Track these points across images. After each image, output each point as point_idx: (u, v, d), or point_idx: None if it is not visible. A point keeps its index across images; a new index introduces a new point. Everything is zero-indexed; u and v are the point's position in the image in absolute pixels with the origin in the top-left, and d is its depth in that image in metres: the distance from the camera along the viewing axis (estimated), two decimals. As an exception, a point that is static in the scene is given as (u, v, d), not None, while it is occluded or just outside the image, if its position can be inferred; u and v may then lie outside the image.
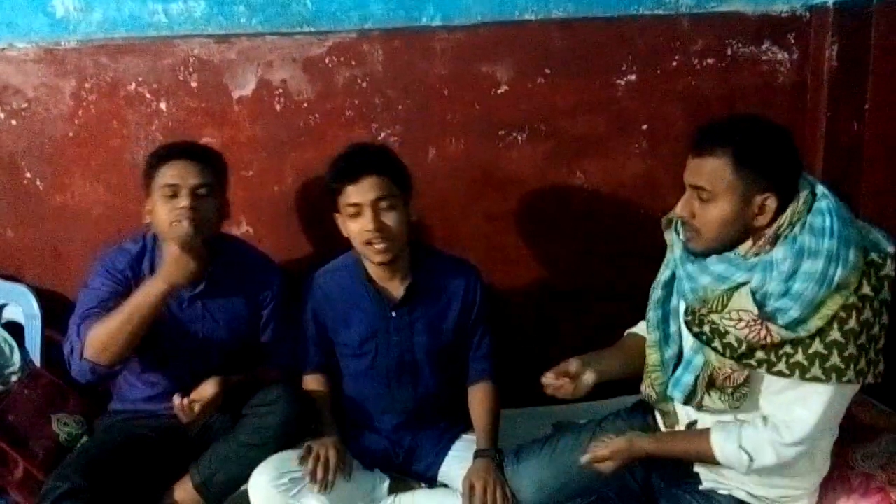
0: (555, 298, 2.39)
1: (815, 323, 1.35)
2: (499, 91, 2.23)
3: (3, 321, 2.23)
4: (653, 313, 1.63)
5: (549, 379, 1.64)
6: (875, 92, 2.25)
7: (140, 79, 2.15)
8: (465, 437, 1.95)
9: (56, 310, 2.20)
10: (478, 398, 1.93)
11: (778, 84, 2.30)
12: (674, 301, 1.60)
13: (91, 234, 2.19)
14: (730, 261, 1.45)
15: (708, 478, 1.63)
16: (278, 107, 2.20)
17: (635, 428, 1.70)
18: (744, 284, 1.41)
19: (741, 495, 1.58)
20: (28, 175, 2.19)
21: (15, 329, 2.19)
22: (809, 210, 1.39)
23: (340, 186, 1.77)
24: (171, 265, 1.72)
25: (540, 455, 1.76)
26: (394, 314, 1.89)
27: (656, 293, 1.63)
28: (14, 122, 2.16)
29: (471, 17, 2.17)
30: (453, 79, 2.21)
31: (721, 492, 1.60)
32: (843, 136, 2.28)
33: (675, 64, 2.26)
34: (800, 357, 1.37)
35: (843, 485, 1.69)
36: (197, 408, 1.77)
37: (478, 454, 1.82)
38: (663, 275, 1.63)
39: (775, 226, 1.41)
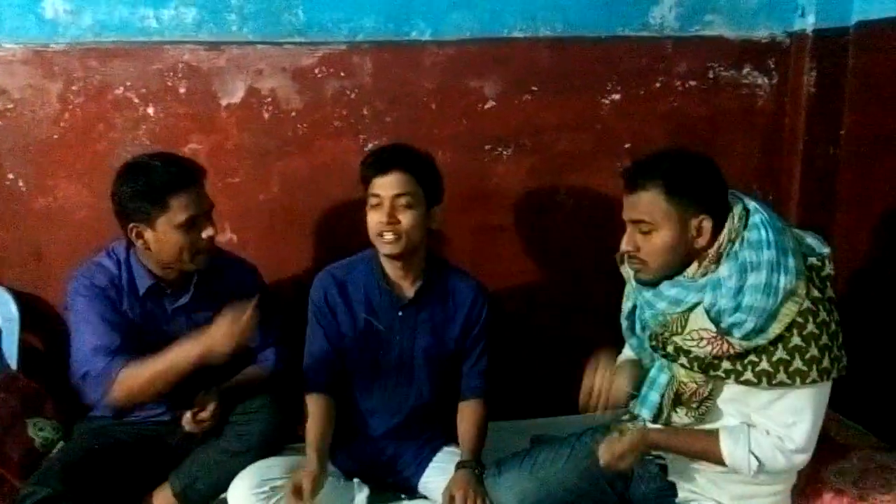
0: (539, 312, 2.41)
1: (774, 330, 1.42)
2: (486, 106, 2.26)
3: (-21, 324, 2.20)
4: (631, 340, 1.70)
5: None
6: (850, 117, 2.31)
7: (128, 83, 2.14)
8: (446, 449, 1.96)
9: (35, 313, 2.19)
10: (467, 414, 1.94)
11: (757, 107, 2.36)
12: (637, 328, 1.66)
13: (74, 238, 2.17)
14: (681, 284, 1.51)
15: (684, 489, 1.66)
16: (266, 115, 2.21)
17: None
18: (697, 305, 1.48)
19: (713, 504, 1.62)
20: (10, 176, 2.17)
21: (-8, 332, 2.17)
22: (746, 226, 1.47)
23: (370, 176, 1.81)
24: (218, 332, 1.68)
25: (521, 468, 1.77)
26: (401, 313, 1.90)
27: (624, 324, 1.70)
28: (-1, 122, 2.14)
29: (460, 32, 2.20)
30: (441, 93, 2.24)
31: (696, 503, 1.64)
32: (820, 160, 2.34)
33: (658, 85, 2.31)
34: (765, 365, 1.44)
35: (816, 500, 1.73)
36: (208, 420, 1.78)
37: (459, 465, 1.83)
38: (626, 306, 1.70)
39: (716, 245, 1.48)
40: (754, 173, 2.38)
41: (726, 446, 1.52)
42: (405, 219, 1.79)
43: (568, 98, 2.28)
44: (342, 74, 2.20)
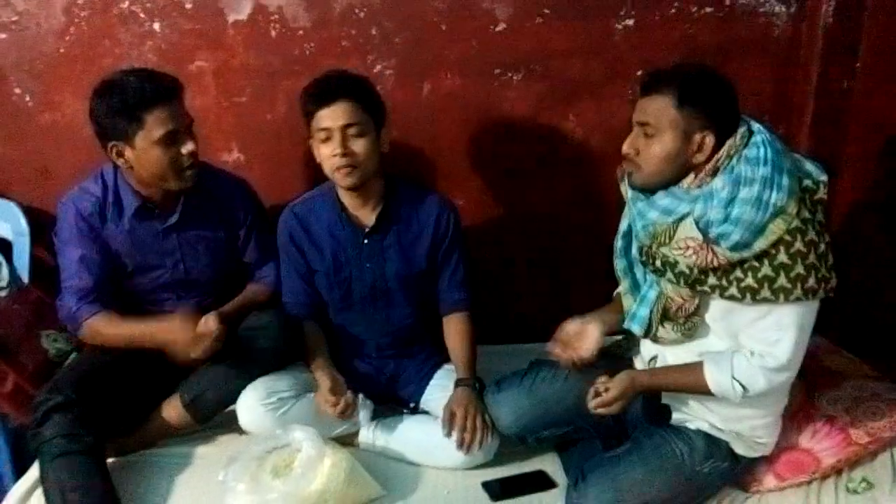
0: (543, 239, 2.42)
1: (759, 245, 1.44)
2: (496, 29, 2.21)
3: (-10, 237, 2.23)
4: (619, 262, 1.72)
5: (555, 350, 1.72)
6: (867, 50, 2.26)
7: (134, -4, 2.11)
8: (446, 366, 2.01)
9: (44, 227, 2.20)
10: (453, 328, 1.98)
11: (773, 37, 2.30)
12: (633, 250, 1.68)
13: (80, 153, 2.16)
14: (674, 194, 1.54)
15: (678, 411, 1.70)
16: (273, 33, 2.17)
17: (608, 364, 1.75)
18: (687, 216, 1.51)
19: (705, 427, 1.67)
20: (17, 91, 2.16)
21: (3, 246, 2.19)
22: (746, 145, 1.48)
23: (313, 110, 1.78)
24: (182, 335, 1.74)
25: (520, 386, 1.82)
26: (366, 241, 1.92)
27: (618, 243, 1.72)
28: (3, 35, 2.11)
29: (473, -49, 2.14)
30: (452, 14, 2.19)
31: (689, 426, 1.69)
32: (834, 93, 2.30)
33: (673, 11, 2.25)
34: (750, 281, 1.46)
35: (808, 425, 1.77)
36: (208, 343, 1.77)
37: (458, 383, 1.88)
38: (622, 226, 1.72)
39: (714, 159, 1.50)
40: (767, 104, 2.34)
41: (711, 376, 1.55)
42: (358, 148, 1.78)
43: (580, 22, 2.22)
44: (351, -8, 2.15)
